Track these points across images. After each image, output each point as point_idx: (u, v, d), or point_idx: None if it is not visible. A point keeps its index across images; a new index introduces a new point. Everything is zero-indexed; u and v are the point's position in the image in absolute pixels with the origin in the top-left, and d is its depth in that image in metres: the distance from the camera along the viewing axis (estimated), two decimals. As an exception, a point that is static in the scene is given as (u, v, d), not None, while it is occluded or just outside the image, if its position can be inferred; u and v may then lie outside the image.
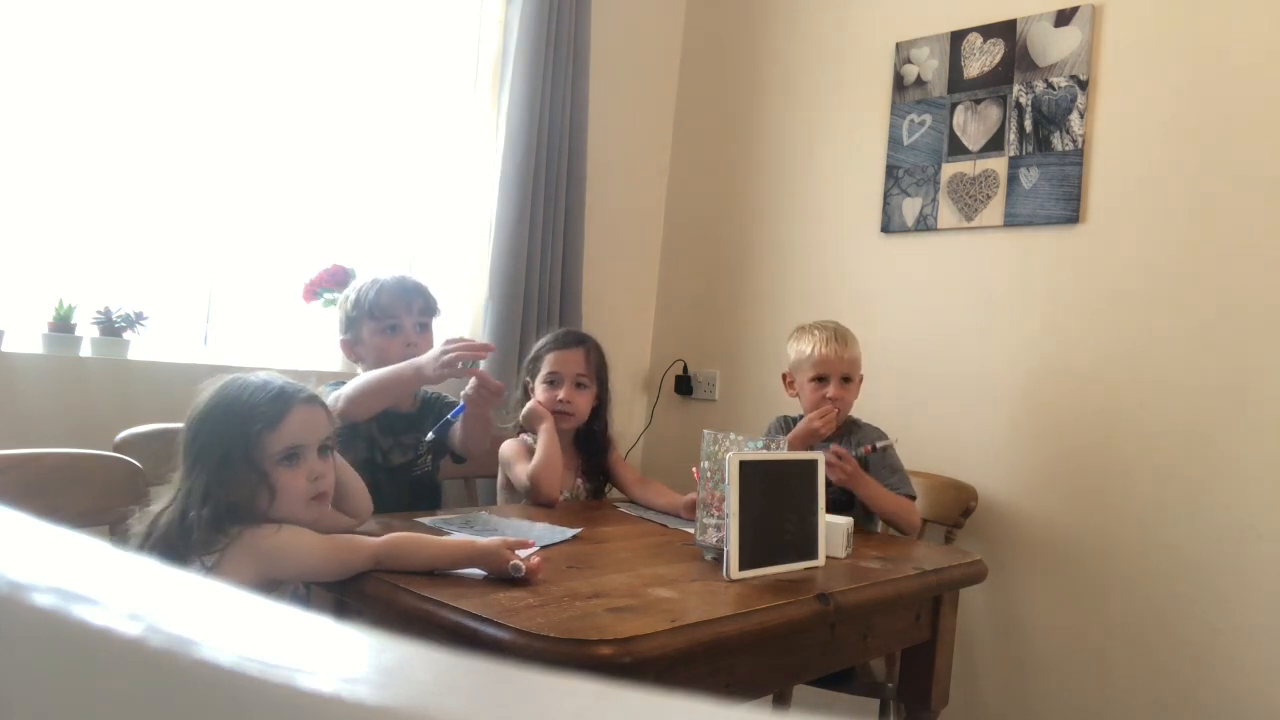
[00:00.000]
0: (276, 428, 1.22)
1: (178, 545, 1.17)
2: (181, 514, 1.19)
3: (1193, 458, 1.94)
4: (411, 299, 1.81)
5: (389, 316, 1.78)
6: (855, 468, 1.86)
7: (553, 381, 1.94)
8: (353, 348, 1.82)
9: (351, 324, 1.80)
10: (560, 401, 1.92)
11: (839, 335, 2.01)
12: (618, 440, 2.12)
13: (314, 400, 1.30)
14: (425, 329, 1.85)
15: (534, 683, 0.21)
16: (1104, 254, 2.09)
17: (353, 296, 1.81)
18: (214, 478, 1.19)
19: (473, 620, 1.03)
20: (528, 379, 2.01)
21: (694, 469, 1.75)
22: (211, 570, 1.14)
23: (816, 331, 2.03)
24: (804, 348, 2.02)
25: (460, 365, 1.60)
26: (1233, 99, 1.94)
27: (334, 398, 1.61)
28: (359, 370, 1.86)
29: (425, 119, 2.43)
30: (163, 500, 1.22)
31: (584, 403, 1.96)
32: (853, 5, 2.58)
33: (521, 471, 1.84)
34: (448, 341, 1.62)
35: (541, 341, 2.03)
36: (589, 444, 2.01)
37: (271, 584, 1.21)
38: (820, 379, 1.99)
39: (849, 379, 2.00)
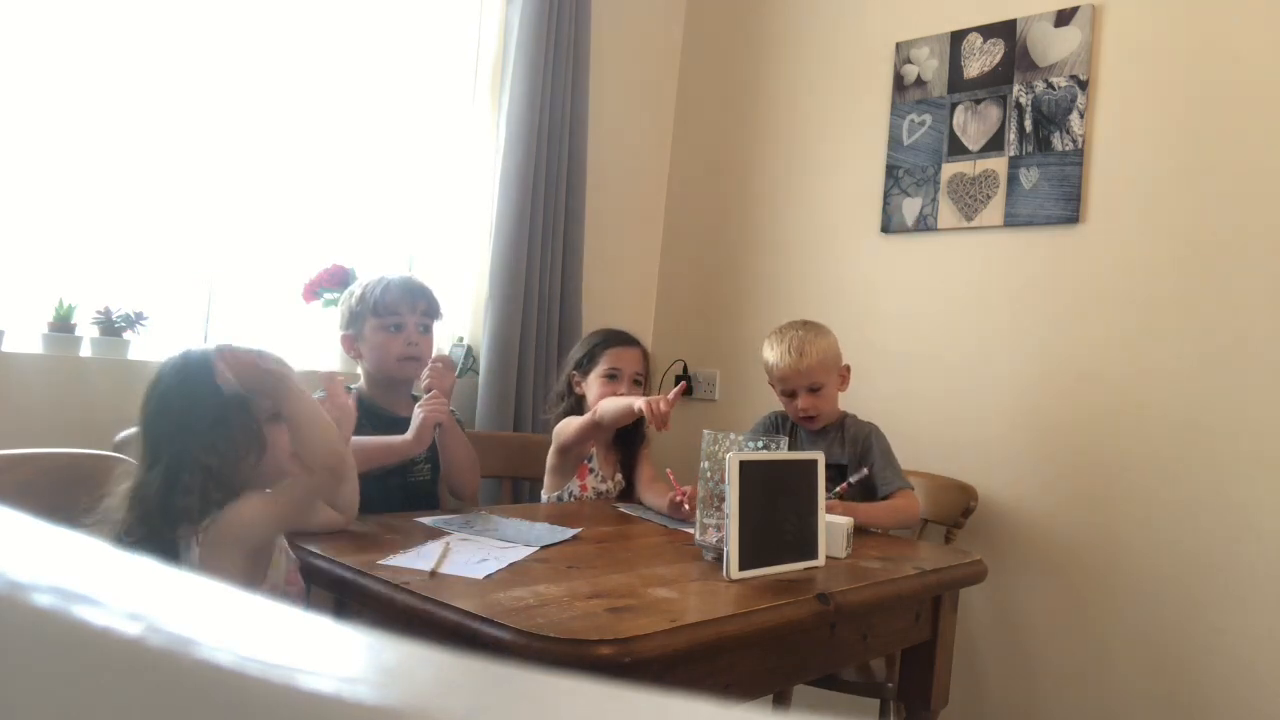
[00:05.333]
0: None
1: (168, 515, 1.14)
2: (167, 483, 1.15)
3: (1193, 457, 1.94)
4: (416, 300, 1.83)
5: (393, 314, 1.79)
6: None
7: (613, 376, 2.00)
8: (354, 343, 1.82)
9: (355, 319, 1.81)
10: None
11: (796, 346, 1.93)
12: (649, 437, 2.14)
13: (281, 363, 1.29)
14: (427, 330, 1.86)
15: (534, 683, 0.21)
16: (1104, 254, 2.09)
17: (358, 292, 1.82)
18: (204, 440, 1.16)
19: (473, 620, 1.03)
20: (574, 373, 2.05)
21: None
22: (200, 564, 1.14)
23: (777, 344, 1.96)
24: (768, 358, 1.98)
25: (435, 427, 1.73)
26: (1232, 99, 1.94)
27: None
28: (359, 368, 1.86)
29: (425, 119, 2.43)
30: (135, 478, 1.18)
31: None
32: (853, 5, 2.58)
33: (587, 416, 1.89)
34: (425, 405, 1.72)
35: (593, 338, 2.09)
36: (628, 440, 2.07)
37: (260, 556, 1.20)
38: (788, 393, 1.96)
39: (818, 387, 1.94)
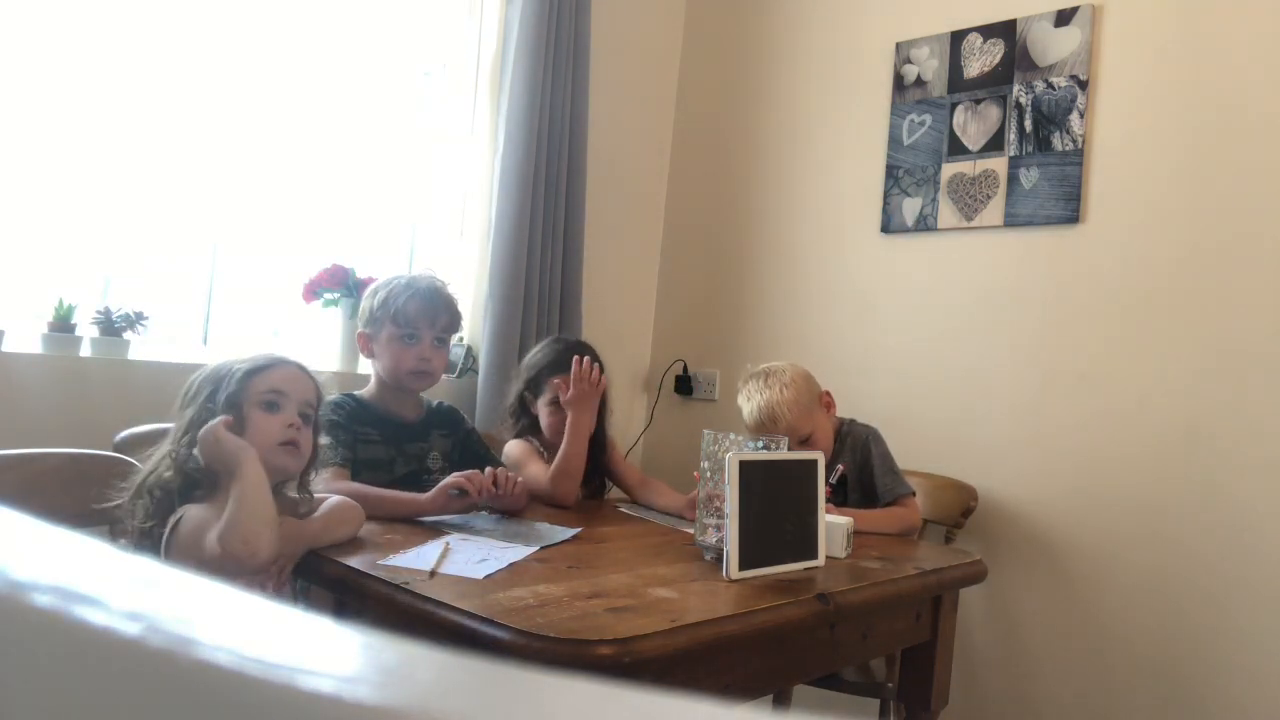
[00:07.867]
0: (260, 373, 1.29)
1: (166, 486, 1.22)
2: (172, 456, 1.24)
3: (1192, 457, 1.94)
4: (437, 314, 1.79)
5: (410, 326, 1.76)
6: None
7: (558, 403, 1.90)
8: (369, 343, 1.80)
9: (374, 321, 1.78)
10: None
11: (767, 412, 1.87)
12: (617, 441, 2.12)
13: (304, 368, 1.36)
14: (443, 344, 1.83)
15: (534, 683, 0.21)
16: (1104, 254, 2.09)
17: (381, 295, 1.78)
18: (195, 417, 1.25)
19: (473, 620, 1.03)
20: (527, 394, 1.98)
21: (696, 473, 1.76)
22: (167, 557, 1.17)
23: (748, 409, 1.90)
24: (745, 418, 1.92)
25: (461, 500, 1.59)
26: (1233, 99, 1.94)
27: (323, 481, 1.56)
28: (373, 367, 1.83)
29: (425, 119, 2.44)
30: (158, 455, 1.27)
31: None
32: (853, 5, 2.58)
33: (537, 470, 1.85)
34: (457, 478, 1.58)
35: (540, 357, 1.98)
36: (589, 448, 2.00)
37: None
38: None
39: (805, 437, 1.87)
